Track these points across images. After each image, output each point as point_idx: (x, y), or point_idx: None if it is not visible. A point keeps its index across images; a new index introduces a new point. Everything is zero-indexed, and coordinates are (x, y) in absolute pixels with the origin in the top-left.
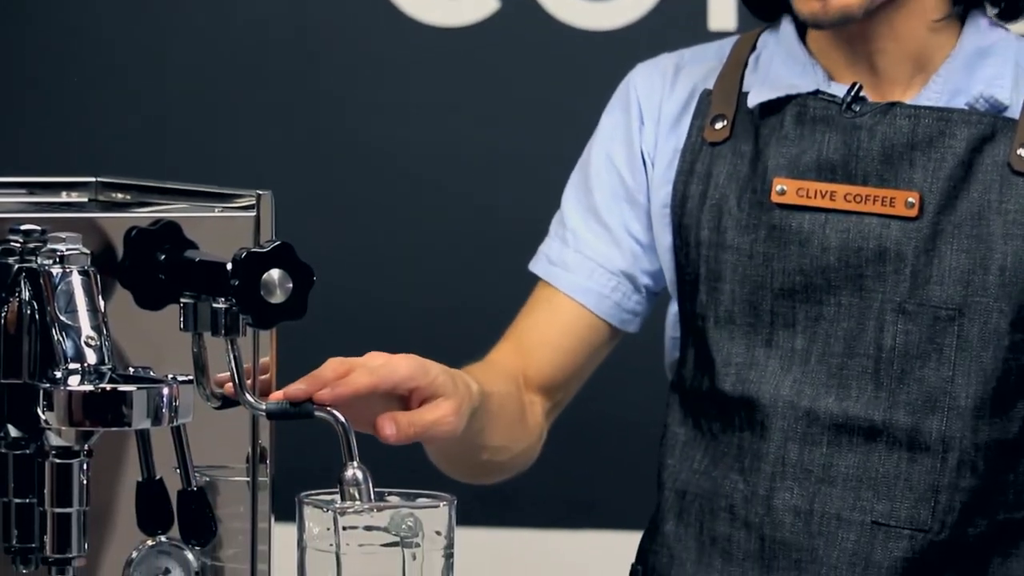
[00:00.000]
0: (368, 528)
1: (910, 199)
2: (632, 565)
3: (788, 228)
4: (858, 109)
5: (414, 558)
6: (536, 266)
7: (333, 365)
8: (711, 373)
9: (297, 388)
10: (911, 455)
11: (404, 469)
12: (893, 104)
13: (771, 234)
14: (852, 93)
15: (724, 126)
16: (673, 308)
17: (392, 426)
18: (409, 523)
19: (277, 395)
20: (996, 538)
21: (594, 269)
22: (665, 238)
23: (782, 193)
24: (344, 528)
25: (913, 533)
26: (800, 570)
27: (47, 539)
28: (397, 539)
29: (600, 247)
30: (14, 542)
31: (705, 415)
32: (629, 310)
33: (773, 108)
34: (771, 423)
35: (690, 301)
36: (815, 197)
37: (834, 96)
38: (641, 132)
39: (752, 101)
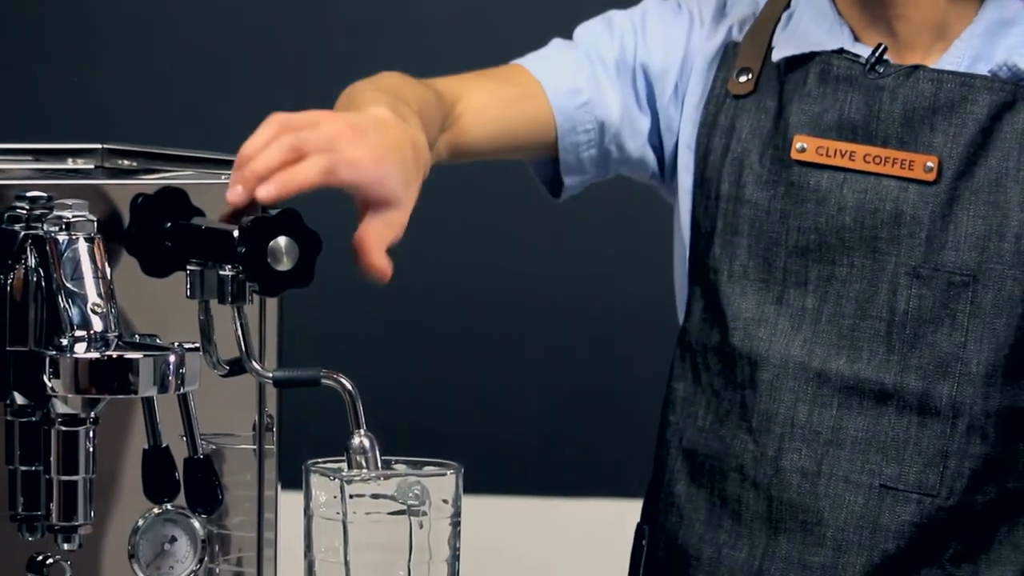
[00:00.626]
0: (375, 496)
1: (929, 163)
2: (638, 524)
3: (806, 186)
4: (881, 71)
5: (421, 526)
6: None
7: (282, 148)
8: (720, 327)
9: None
10: (921, 420)
11: (411, 437)
12: (916, 67)
13: (789, 191)
14: (876, 54)
15: (749, 80)
16: (681, 266)
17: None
18: (416, 491)
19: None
20: (1005, 506)
21: (577, 72)
22: (687, 179)
23: (802, 151)
24: (351, 496)
25: (921, 498)
26: (807, 532)
27: (53, 507)
28: (404, 507)
29: (593, 74)
30: (20, 510)
31: (707, 370)
32: (582, 139)
33: (798, 64)
34: (781, 383)
35: (704, 253)
36: (834, 156)
37: (858, 56)
38: (690, 35)
39: (777, 55)
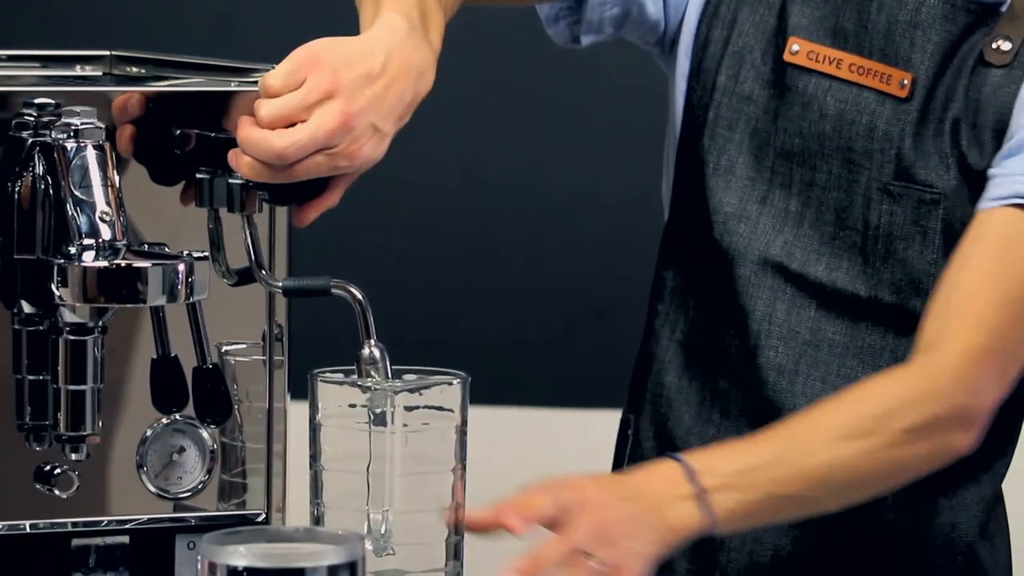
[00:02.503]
0: (351, 406)
1: (904, 80)
2: (623, 413)
3: (795, 89)
4: None
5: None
6: None
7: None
8: (704, 219)
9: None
10: (897, 330)
11: (420, 347)
12: None
13: (782, 92)
14: None
15: None
16: (670, 151)
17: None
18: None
19: None
20: None
21: None
22: (684, 63)
23: (795, 53)
24: (359, 406)
25: None
26: None
27: (61, 417)
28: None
29: None
30: (27, 419)
31: (697, 262)
32: None
33: None
34: (759, 281)
35: (693, 143)
36: (823, 63)
37: None
38: None
39: None
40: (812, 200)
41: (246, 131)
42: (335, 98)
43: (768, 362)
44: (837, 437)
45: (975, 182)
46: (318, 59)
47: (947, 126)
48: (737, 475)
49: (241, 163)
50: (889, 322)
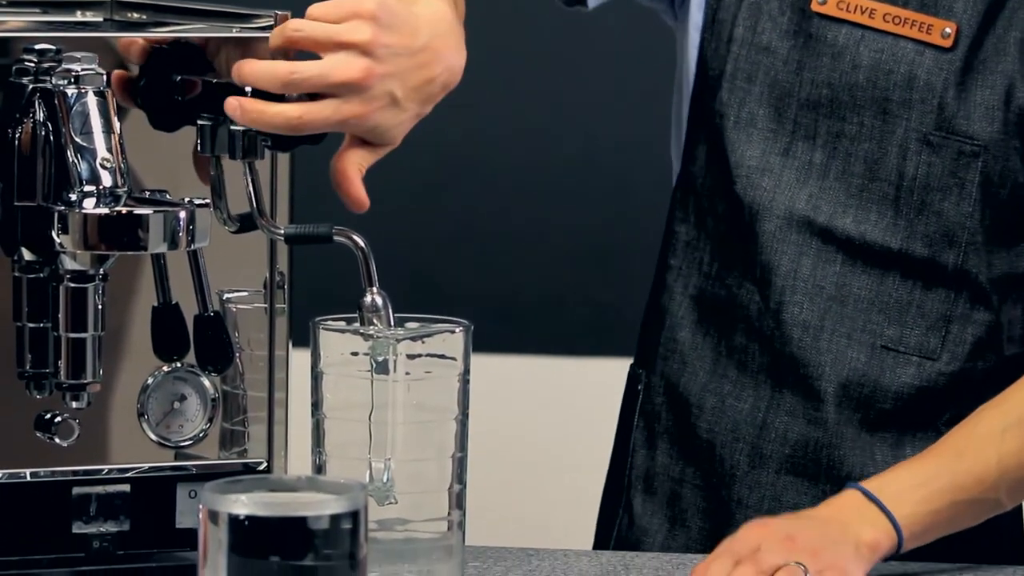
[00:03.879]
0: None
1: (947, 29)
2: (631, 368)
3: (823, 39)
4: None
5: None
6: None
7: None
8: (724, 174)
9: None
10: (925, 284)
11: (423, 295)
12: None
13: (807, 43)
14: None
15: None
16: (682, 105)
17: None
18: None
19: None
20: (1000, 373)
21: None
22: (697, 16)
23: (823, 3)
24: (362, 354)
25: (921, 361)
26: (809, 386)
27: (61, 364)
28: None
29: None
30: (28, 367)
31: (713, 216)
32: None
33: None
34: (784, 236)
35: (709, 97)
36: (855, 12)
37: None
38: None
39: None
40: (839, 151)
41: (249, 65)
42: (367, 53)
43: (792, 318)
44: (1000, 431)
45: None
46: (370, 9)
47: (998, 79)
48: (916, 488)
49: (245, 109)
50: (918, 276)
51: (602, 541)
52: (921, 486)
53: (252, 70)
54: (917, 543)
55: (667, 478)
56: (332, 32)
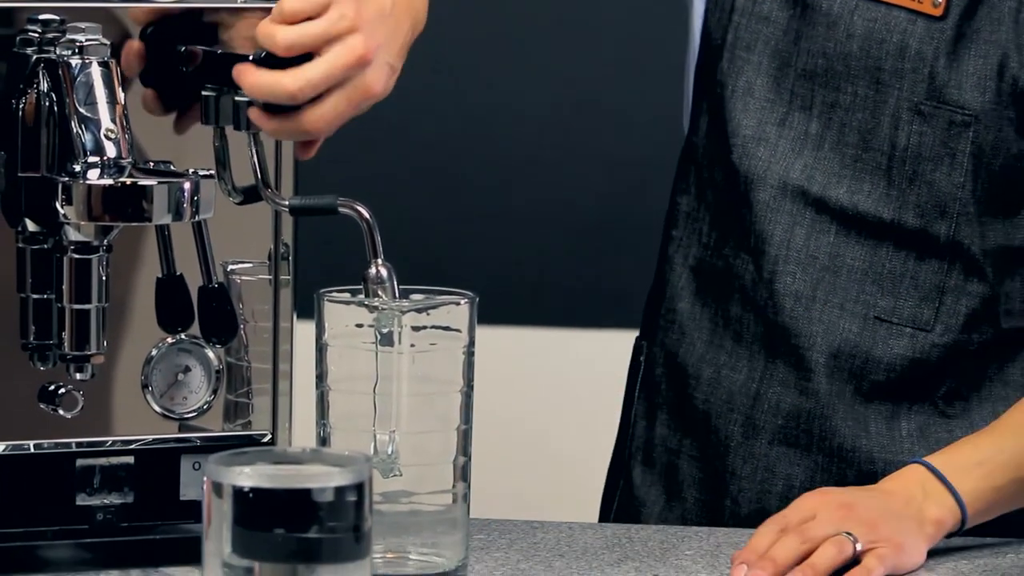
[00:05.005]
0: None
1: None
2: (636, 339)
3: (819, 8)
4: None
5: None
6: None
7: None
8: (722, 144)
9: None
10: (919, 255)
11: (428, 266)
12: None
13: (804, 12)
14: None
15: None
16: (689, 75)
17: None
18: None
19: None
20: (998, 345)
21: None
22: None
23: None
24: (366, 326)
25: (915, 332)
26: (801, 357)
27: (65, 336)
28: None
29: None
30: (31, 338)
31: (713, 186)
32: None
33: None
34: (778, 205)
35: (712, 66)
36: None
37: None
38: None
39: None
40: (834, 122)
41: (253, 77)
42: (358, 32)
43: (785, 288)
44: None
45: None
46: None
47: (992, 48)
48: (979, 465)
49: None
50: (911, 246)
51: (605, 513)
52: (983, 463)
53: (258, 83)
54: (979, 520)
55: (665, 449)
56: (323, 31)
